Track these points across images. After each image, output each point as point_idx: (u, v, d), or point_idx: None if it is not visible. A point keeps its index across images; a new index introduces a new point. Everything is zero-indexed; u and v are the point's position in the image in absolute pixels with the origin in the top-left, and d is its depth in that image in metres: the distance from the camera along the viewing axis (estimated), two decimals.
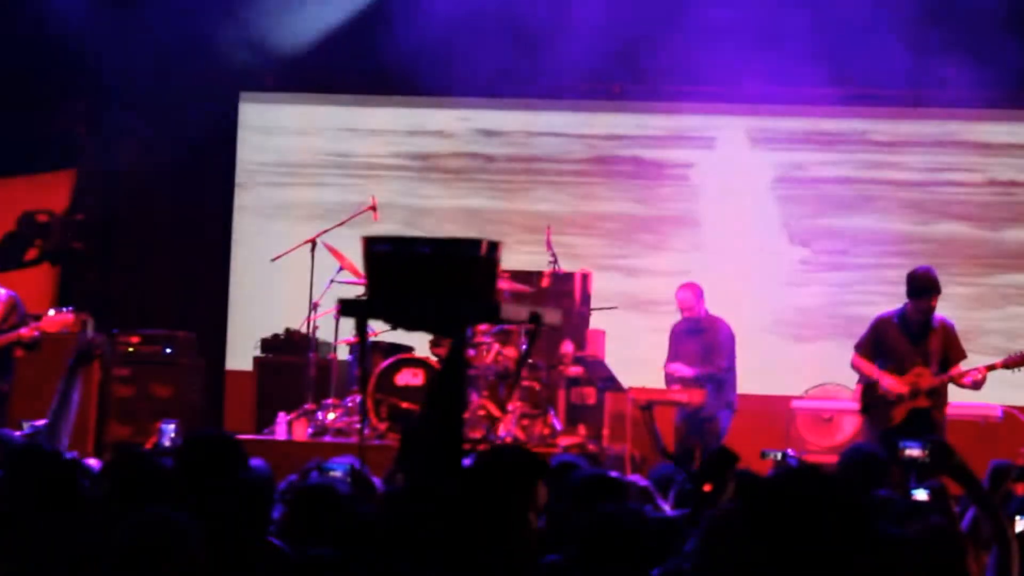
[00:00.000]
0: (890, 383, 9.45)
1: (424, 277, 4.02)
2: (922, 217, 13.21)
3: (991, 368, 9.48)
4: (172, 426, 7.79)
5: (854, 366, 9.80)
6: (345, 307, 4.22)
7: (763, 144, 13.46)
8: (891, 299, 10.78)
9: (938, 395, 9.52)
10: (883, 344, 9.58)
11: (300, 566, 4.16)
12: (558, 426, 11.20)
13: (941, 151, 13.24)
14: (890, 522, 5.18)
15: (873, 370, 9.56)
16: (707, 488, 5.30)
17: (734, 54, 12.60)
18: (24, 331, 10.03)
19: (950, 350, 9.52)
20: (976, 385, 9.49)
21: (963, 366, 9.52)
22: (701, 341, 11.17)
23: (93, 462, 6.88)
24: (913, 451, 5.44)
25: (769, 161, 13.43)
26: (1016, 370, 9.57)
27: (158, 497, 4.69)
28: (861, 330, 10.03)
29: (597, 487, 5.21)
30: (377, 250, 4.10)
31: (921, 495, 5.84)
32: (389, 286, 4.06)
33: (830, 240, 13.31)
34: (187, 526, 3.88)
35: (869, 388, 9.65)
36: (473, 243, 4.05)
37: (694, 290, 11.25)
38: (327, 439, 10.93)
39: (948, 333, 9.55)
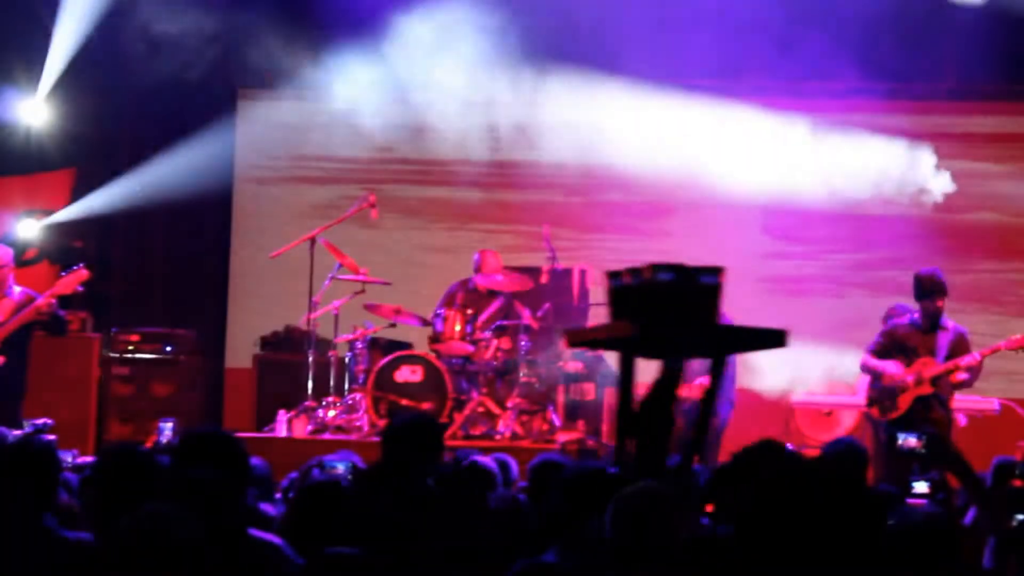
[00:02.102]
0: (893, 370, 9.51)
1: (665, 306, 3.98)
2: (926, 209, 13.20)
3: (994, 350, 9.54)
4: (170, 424, 7.79)
5: (863, 366, 9.84)
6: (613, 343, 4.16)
7: (766, 138, 13.45)
8: (894, 294, 10.82)
9: (942, 385, 9.58)
10: (897, 345, 9.62)
11: (315, 565, 4.17)
12: (557, 422, 11.22)
13: (943, 144, 13.24)
14: (889, 514, 5.19)
15: (876, 363, 9.61)
16: (709, 508, 5.27)
17: (734, 46, 12.63)
18: (40, 301, 9.76)
19: (957, 352, 9.58)
20: (974, 371, 9.55)
21: None
22: None
23: (92, 461, 6.89)
24: (910, 441, 5.47)
25: (773, 156, 13.43)
26: (1020, 352, 9.63)
27: (149, 494, 4.70)
28: (863, 326, 10.04)
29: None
30: (618, 284, 4.09)
31: (922, 487, 5.86)
32: (634, 317, 4.04)
33: (832, 234, 13.32)
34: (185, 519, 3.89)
35: (876, 380, 9.69)
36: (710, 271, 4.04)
37: None
38: (327, 436, 10.95)
39: (960, 338, 9.64)
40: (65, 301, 10.03)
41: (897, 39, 12.68)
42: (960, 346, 9.64)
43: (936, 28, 12.67)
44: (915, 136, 13.13)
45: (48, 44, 13.28)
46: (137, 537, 3.86)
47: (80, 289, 9.90)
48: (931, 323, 9.59)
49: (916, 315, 9.68)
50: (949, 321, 9.68)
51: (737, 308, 11.71)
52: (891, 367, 9.56)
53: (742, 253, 13.32)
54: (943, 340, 9.59)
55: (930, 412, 9.44)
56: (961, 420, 11.18)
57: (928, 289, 9.56)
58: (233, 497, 4.57)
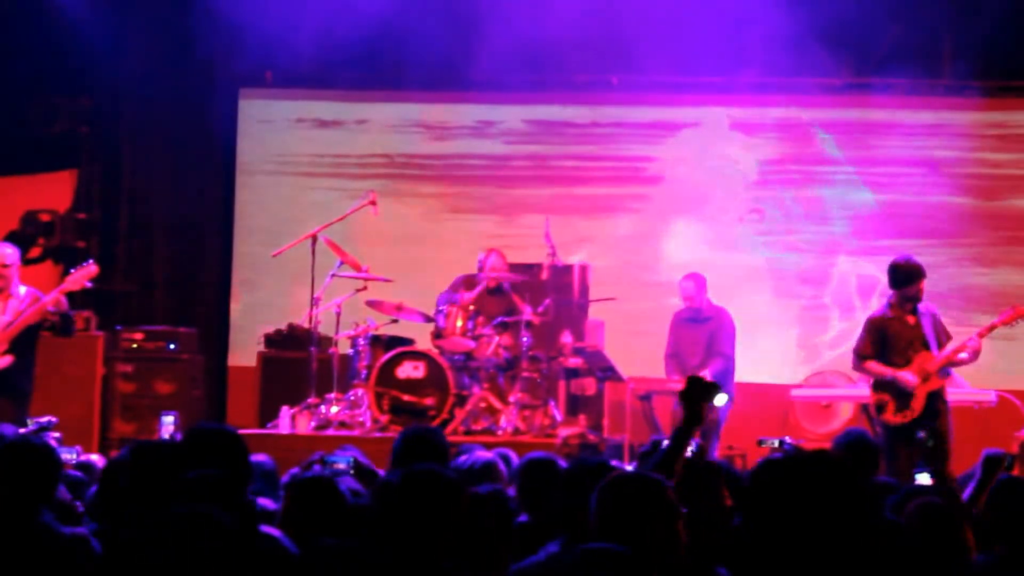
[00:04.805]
0: (904, 376, 9.40)
1: None
2: (922, 200, 13.23)
3: (991, 328, 9.53)
4: (171, 418, 7.79)
5: (862, 368, 9.73)
6: None
7: (761, 133, 13.48)
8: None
9: (946, 374, 9.60)
10: (885, 340, 9.54)
11: (307, 558, 4.20)
12: (558, 417, 11.27)
13: (933, 136, 13.27)
14: (890, 508, 5.23)
15: (885, 369, 9.47)
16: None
17: (726, 43, 12.68)
18: (47, 299, 9.67)
19: (939, 333, 9.57)
20: (975, 354, 9.53)
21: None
22: (703, 330, 11.25)
23: (96, 458, 6.93)
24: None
25: (766, 149, 13.46)
26: (1014, 325, 9.64)
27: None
28: (858, 319, 10.03)
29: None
30: None
31: (924, 479, 5.91)
32: None
33: (829, 227, 13.35)
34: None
35: (881, 386, 9.55)
36: None
37: (696, 280, 11.33)
38: (330, 432, 11.00)
39: (935, 319, 9.61)
40: (70, 299, 10.03)
41: None
42: (939, 326, 9.61)
43: None
44: None
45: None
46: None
47: (89, 285, 9.91)
48: (912, 311, 9.52)
49: (893, 301, 9.60)
50: (918, 305, 9.63)
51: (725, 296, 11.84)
52: (900, 374, 9.42)
53: (744, 244, 13.37)
54: (927, 328, 9.53)
55: (944, 401, 9.45)
56: (992, 399, 11.16)
57: (909, 274, 9.49)
58: (237, 493, 4.61)
